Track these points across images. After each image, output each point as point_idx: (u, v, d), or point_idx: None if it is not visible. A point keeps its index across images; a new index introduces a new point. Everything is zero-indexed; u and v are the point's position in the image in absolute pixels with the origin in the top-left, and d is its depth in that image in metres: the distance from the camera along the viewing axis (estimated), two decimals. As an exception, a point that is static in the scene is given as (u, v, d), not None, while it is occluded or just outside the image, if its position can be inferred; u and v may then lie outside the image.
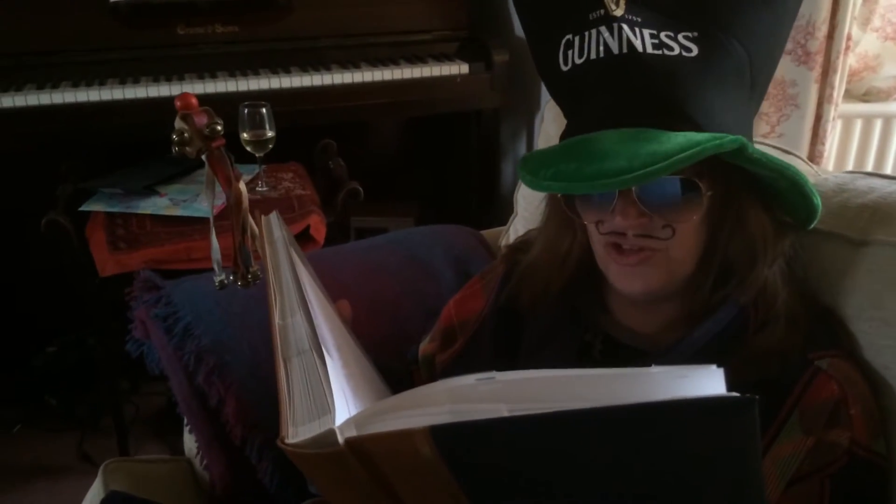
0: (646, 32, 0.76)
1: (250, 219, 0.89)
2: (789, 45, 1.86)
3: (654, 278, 0.81)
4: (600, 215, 0.80)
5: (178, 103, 0.84)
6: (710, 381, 0.55)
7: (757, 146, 0.79)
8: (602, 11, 0.77)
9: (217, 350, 1.13)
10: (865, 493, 0.77)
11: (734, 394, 0.52)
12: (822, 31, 1.81)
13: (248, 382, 1.12)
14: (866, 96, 2.07)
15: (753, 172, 0.78)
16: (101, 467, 1.11)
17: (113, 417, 1.93)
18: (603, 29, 0.77)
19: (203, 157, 0.86)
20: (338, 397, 0.65)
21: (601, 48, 0.77)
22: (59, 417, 2.15)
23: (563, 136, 0.84)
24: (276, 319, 0.76)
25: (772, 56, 0.83)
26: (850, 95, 2.05)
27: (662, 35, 0.76)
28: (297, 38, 2.16)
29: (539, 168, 0.78)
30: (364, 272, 1.28)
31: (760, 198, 0.81)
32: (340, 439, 0.60)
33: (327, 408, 0.64)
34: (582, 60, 0.79)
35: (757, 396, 0.51)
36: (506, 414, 0.57)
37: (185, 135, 0.83)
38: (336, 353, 0.74)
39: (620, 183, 0.71)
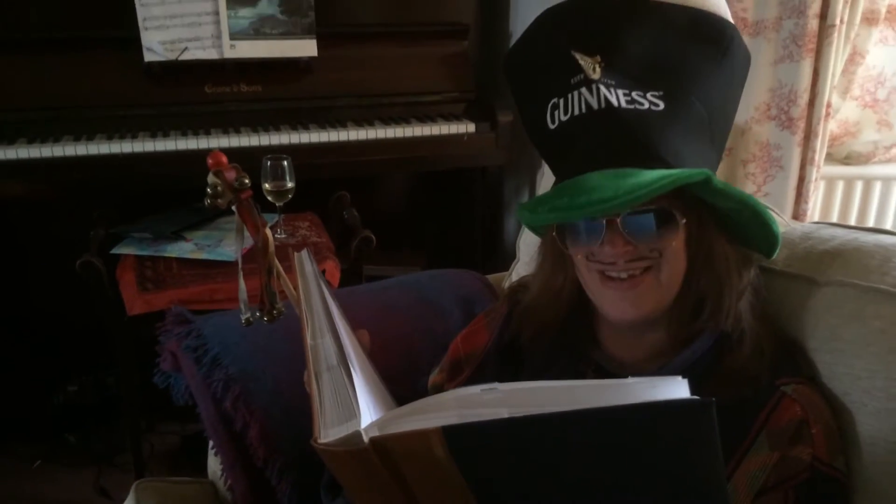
0: (619, 92, 0.87)
1: (276, 261, 0.97)
2: (774, 111, 1.99)
3: (645, 303, 0.90)
4: (589, 248, 0.90)
5: (210, 161, 0.91)
6: (675, 389, 0.65)
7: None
8: (582, 76, 0.89)
9: (243, 379, 1.22)
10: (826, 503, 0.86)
11: (695, 397, 0.63)
12: (804, 98, 1.94)
13: (271, 409, 1.20)
14: (847, 160, 2.19)
15: (719, 208, 0.88)
16: (133, 486, 1.20)
17: (132, 453, 2.00)
18: (584, 90, 0.89)
19: (233, 207, 0.94)
20: (363, 405, 0.75)
21: (583, 105, 0.88)
22: (78, 454, 2.23)
23: (554, 184, 0.94)
24: (308, 340, 0.85)
25: (726, 115, 0.94)
26: (832, 158, 2.18)
27: (634, 94, 0.87)
28: (316, 98, 2.28)
29: (536, 206, 0.89)
30: (377, 311, 1.36)
31: (726, 233, 0.91)
32: (365, 439, 0.69)
33: (354, 413, 0.73)
34: (567, 117, 0.90)
35: (713, 399, 0.61)
36: (506, 416, 0.68)
37: (218, 188, 0.90)
38: (359, 370, 0.84)
39: (609, 207, 0.81)
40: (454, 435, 0.66)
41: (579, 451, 0.67)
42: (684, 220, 0.88)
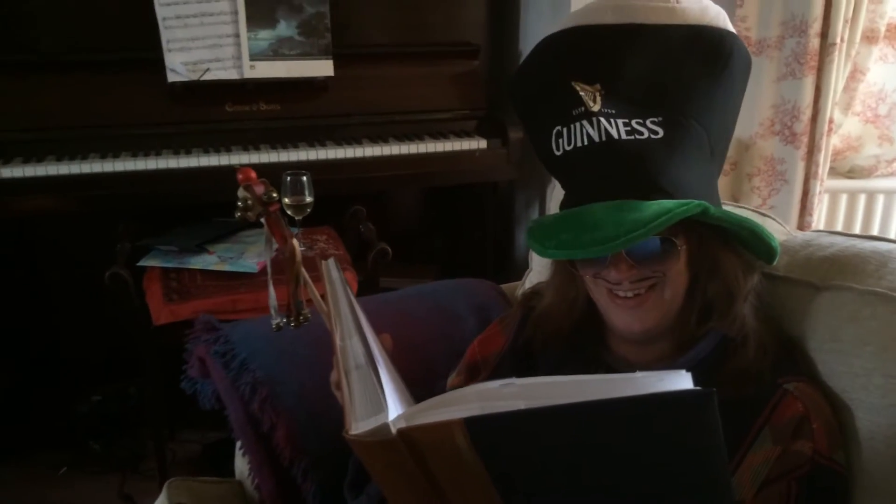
0: (619, 122, 0.91)
1: (303, 270, 0.99)
2: (777, 127, 2.05)
3: (650, 318, 0.95)
4: (597, 270, 0.95)
5: (240, 176, 0.95)
6: (680, 381, 0.70)
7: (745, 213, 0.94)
8: (583, 108, 0.93)
9: (269, 382, 1.27)
10: (826, 495, 0.91)
11: (697, 388, 0.68)
12: (807, 114, 1.99)
13: (296, 411, 1.26)
14: (850, 173, 2.25)
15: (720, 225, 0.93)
16: (166, 484, 1.25)
17: (157, 458, 2.06)
18: (585, 122, 0.92)
19: (262, 219, 0.98)
20: (390, 400, 0.80)
21: (585, 137, 0.92)
22: (102, 461, 2.28)
23: (562, 205, 0.99)
24: (337, 341, 0.91)
25: (726, 126, 0.99)
26: (835, 172, 2.24)
27: (633, 122, 0.91)
28: (332, 116, 2.34)
29: (544, 238, 0.92)
30: (395, 318, 1.41)
31: (729, 244, 0.96)
32: (393, 430, 0.74)
33: (382, 407, 0.78)
34: (571, 147, 0.94)
35: (714, 389, 0.66)
36: (523, 407, 0.73)
37: (248, 201, 0.95)
38: (385, 368, 0.90)
39: (610, 248, 0.86)
40: (475, 425, 0.71)
41: (591, 441, 0.72)
42: (684, 247, 0.93)
